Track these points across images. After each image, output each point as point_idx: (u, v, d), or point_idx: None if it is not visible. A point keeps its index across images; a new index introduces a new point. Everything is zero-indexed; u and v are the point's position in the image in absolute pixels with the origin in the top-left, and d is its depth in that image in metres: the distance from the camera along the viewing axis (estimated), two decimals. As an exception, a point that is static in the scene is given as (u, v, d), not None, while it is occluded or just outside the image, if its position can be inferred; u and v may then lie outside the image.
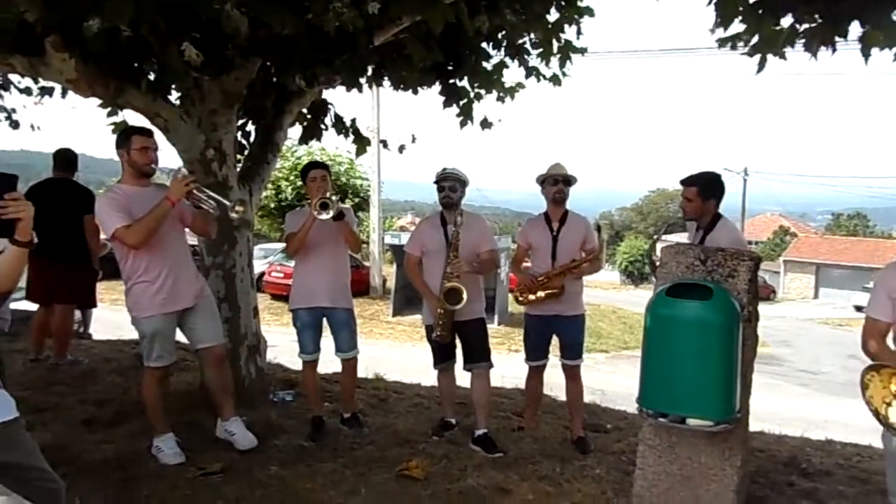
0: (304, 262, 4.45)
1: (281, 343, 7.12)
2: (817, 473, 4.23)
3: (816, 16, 3.42)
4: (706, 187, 4.00)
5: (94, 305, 7.71)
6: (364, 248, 24.02)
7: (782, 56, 3.76)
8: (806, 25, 3.50)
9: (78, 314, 7.73)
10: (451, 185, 4.41)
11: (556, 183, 4.50)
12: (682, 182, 4.09)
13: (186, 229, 4.01)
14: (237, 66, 4.43)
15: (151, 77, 4.49)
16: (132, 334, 6.35)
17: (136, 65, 4.36)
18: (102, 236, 5.25)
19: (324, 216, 4.11)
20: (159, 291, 3.75)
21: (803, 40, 3.57)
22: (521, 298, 4.57)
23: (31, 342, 5.91)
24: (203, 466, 3.73)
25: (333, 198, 4.15)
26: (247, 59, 4.42)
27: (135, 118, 5.05)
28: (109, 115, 5.41)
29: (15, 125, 6.69)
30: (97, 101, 4.70)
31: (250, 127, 5.61)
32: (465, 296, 4.20)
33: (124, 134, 3.83)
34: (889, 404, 2.58)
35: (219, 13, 3.57)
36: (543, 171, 4.61)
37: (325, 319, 4.50)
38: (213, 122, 4.62)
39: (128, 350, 6.46)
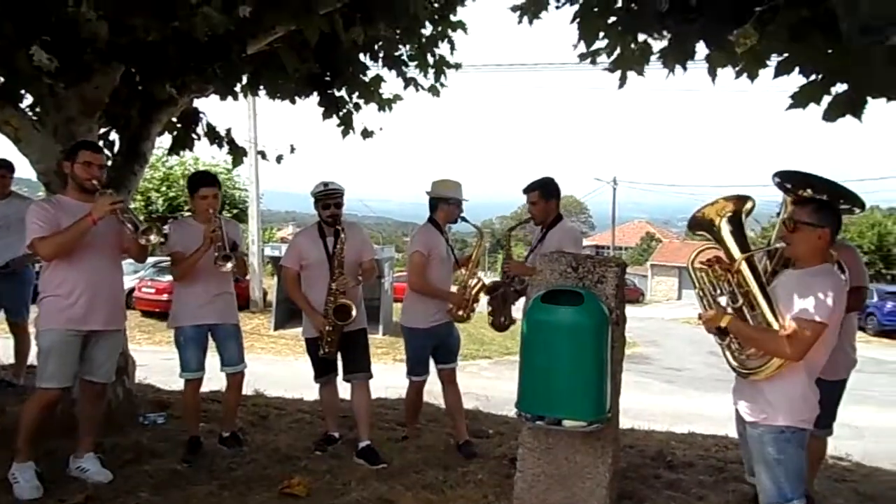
0: (188, 280, 4.21)
1: (151, 362, 6.75)
2: (681, 465, 4.52)
3: (667, 35, 3.68)
4: (545, 189, 4.47)
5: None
6: (243, 261, 23.26)
7: (640, 73, 4.02)
8: (660, 45, 3.76)
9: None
10: (336, 201, 4.38)
11: (459, 205, 4.63)
12: (525, 190, 4.52)
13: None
14: (97, 73, 4.18)
15: (-1, 82, 4.16)
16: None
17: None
18: None
19: (226, 268, 4.00)
20: (69, 308, 3.59)
21: (660, 58, 3.83)
22: (462, 315, 4.58)
23: None
24: (64, 498, 3.47)
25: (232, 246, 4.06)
26: (108, 66, 4.17)
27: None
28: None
29: None
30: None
31: (114, 136, 5.30)
32: (353, 312, 4.22)
33: (73, 146, 3.72)
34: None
35: (74, 15, 3.36)
36: (428, 183, 4.67)
37: (209, 336, 4.31)
38: (70, 131, 4.32)
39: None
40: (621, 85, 4.06)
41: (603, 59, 3.96)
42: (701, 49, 3.64)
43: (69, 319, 3.58)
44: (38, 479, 3.56)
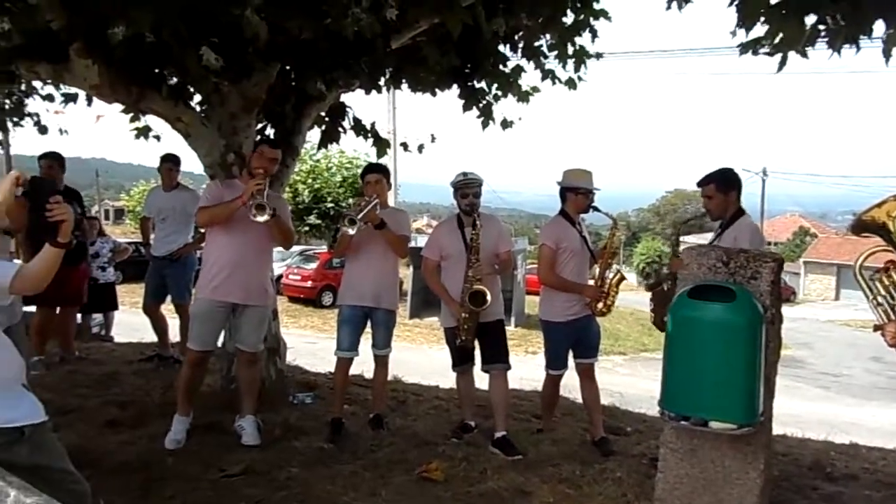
0: (354, 261, 4.51)
1: (297, 345, 7.16)
2: (842, 478, 4.17)
3: (839, 15, 3.38)
4: (722, 181, 4.06)
5: (116, 308, 7.78)
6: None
7: (804, 55, 3.71)
8: (830, 24, 3.46)
9: (100, 317, 7.83)
10: (475, 191, 4.43)
11: (589, 194, 4.49)
12: (699, 184, 4.14)
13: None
14: (257, 71, 4.46)
15: (173, 82, 4.54)
16: (153, 337, 6.46)
17: (157, 70, 4.41)
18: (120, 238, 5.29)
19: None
20: (214, 278, 4.07)
21: (826, 39, 3.52)
22: (601, 308, 4.46)
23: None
24: (224, 468, 3.75)
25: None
26: (266, 64, 4.45)
27: (158, 124, 5.13)
28: (132, 120, 5.46)
29: (43, 130, 6.78)
30: (119, 106, 4.76)
31: (269, 131, 5.64)
32: (489, 298, 4.23)
33: (257, 142, 4.37)
34: None
35: (238, 18, 3.60)
36: (560, 173, 4.59)
37: (368, 319, 4.55)
38: (233, 127, 4.66)
39: (148, 352, 6.50)
40: (780, 68, 3.76)
41: (762, 49, 3.68)
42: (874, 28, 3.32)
43: (212, 290, 4.07)
44: (184, 435, 4.04)
